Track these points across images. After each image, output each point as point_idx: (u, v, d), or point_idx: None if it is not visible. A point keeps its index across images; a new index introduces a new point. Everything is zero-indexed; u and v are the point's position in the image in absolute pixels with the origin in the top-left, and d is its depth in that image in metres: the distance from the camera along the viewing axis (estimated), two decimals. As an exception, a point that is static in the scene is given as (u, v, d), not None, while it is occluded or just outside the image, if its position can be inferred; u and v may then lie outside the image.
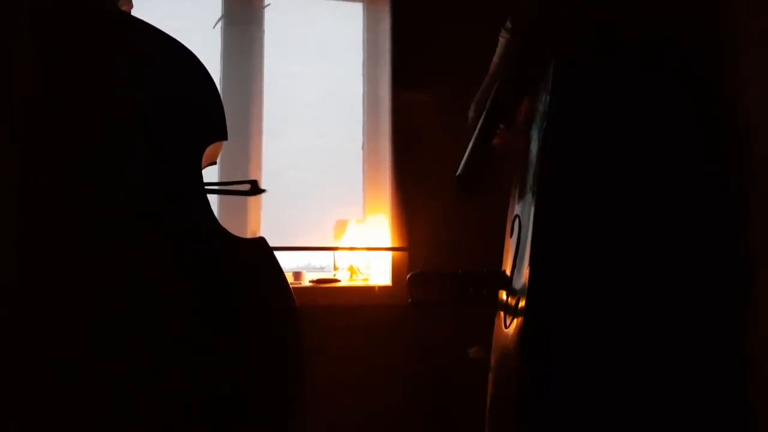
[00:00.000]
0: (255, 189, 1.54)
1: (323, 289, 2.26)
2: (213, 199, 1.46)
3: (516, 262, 1.47)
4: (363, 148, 2.47)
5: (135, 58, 1.37)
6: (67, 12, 1.35)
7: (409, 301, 1.66)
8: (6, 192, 1.25)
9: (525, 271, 1.40)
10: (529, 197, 1.45)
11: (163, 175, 1.34)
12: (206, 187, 1.36)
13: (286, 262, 2.27)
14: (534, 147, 1.47)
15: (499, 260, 1.65)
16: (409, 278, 1.66)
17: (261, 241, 1.39)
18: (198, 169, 1.36)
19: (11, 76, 1.28)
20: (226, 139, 1.40)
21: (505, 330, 1.46)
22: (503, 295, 1.54)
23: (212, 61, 2.27)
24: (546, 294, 1.37)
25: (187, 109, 1.38)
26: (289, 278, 2.29)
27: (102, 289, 1.25)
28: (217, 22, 2.33)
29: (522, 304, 1.39)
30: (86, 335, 1.24)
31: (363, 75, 2.50)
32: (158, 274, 1.29)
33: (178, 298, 1.29)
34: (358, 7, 2.54)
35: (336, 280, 2.32)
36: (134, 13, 1.55)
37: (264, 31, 2.39)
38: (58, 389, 1.21)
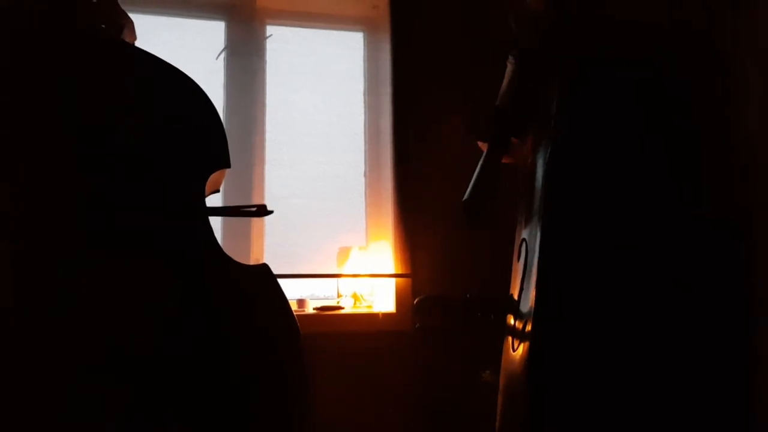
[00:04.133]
0: (262, 211, 1.54)
1: (327, 317, 2.26)
2: (216, 226, 1.47)
3: (523, 285, 1.48)
4: (365, 175, 2.49)
5: (139, 87, 1.39)
6: (71, 41, 1.37)
7: (416, 326, 1.65)
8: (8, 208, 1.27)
9: (531, 295, 1.41)
10: (535, 222, 1.46)
11: (166, 202, 1.35)
12: (215, 209, 1.38)
13: (290, 289, 2.26)
14: (540, 172, 1.48)
15: (503, 285, 1.65)
16: (416, 303, 1.66)
17: (264, 268, 1.40)
18: (201, 196, 1.37)
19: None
20: (228, 166, 1.42)
21: (513, 353, 1.47)
22: (511, 319, 1.54)
23: (215, 90, 2.30)
24: (552, 317, 1.37)
25: (190, 138, 1.40)
26: (293, 306, 2.28)
27: (100, 312, 1.26)
28: (220, 53, 2.36)
29: (529, 327, 1.39)
30: (80, 353, 1.24)
31: (364, 103, 2.52)
32: (158, 299, 1.29)
33: (179, 324, 1.29)
34: (359, 37, 2.57)
35: (340, 308, 2.31)
36: (139, 44, 1.58)
37: (266, 61, 2.42)
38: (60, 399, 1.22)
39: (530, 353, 1.35)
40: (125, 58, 1.42)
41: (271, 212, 1.54)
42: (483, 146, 1.65)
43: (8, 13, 1.33)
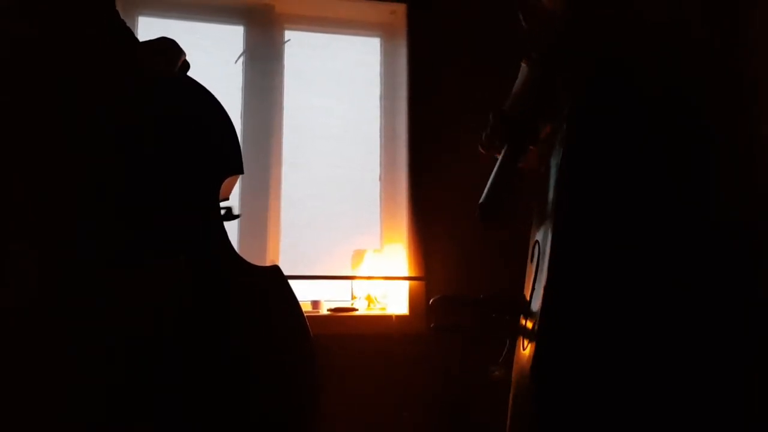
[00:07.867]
0: (229, 215, 1.55)
1: (341, 318, 2.28)
2: (233, 229, 1.49)
3: (534, 286, 1.49)
4: (380, 179, 2.51)
5: (154, 93, 1.43)
6: (82, 46, 1.40)
7: (432, 325, 1.66)
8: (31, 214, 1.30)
9: (540, 295, 1.42)
10: (547, 224, 1.47)
11: (180, 205, 1.38)
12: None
13: (305, 291, 2.29)
14: (553, 174, 1.49)
15: (516, 289, 1.66)
16: (431, 302, 1.67)
17: (275, 270, 1.42)
18: (215, 201, 1.40)
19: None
20: (242, 173, 1.45)
21: (522, 352, 1.48)
22: (522, 319, 1.55)
23: (234, 94, 2.33)
24: (558, 317, 1.38)
25: (206, 144, 1.43)
26: (308, 307, 2.31)
27: (109, 312, 1.28)
28: (239, 57, 2.40)
29: (537, 327, 1.40)
30: (86, 352, 1.25)
31: (380, 107, 2.55)
32: (167, 301, 1.31)
33: (189, 326, 1.31)
34: (376, 42, 2.60)
35: (353, 309, 2.33)
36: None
37: (284, 65, 2.45)
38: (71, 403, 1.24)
39: (536, 352, 1.37)
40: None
41: (237, 216, 1.54)
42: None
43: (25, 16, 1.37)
